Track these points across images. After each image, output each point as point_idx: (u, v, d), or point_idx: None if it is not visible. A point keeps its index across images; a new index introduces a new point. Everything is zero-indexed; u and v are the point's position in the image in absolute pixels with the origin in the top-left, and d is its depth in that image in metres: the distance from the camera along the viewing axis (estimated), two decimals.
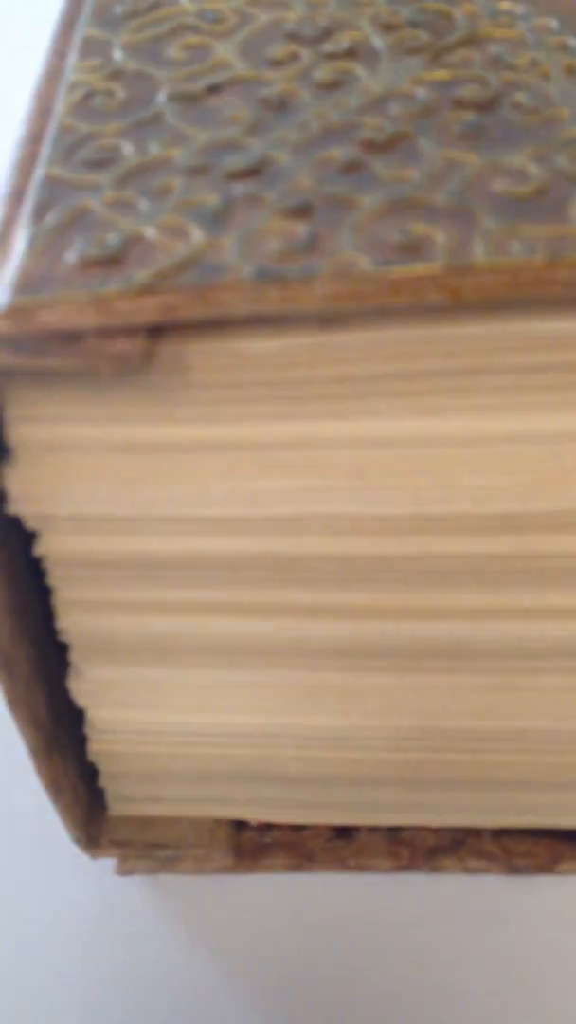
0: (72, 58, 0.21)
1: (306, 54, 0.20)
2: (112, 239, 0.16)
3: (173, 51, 0.20)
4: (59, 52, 0.21)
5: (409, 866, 0.25)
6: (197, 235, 0.17)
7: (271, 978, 0.23)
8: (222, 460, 0.18)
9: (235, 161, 0.18)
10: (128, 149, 0.18)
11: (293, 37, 0.21)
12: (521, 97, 0.19)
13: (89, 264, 0.16)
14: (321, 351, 0.17)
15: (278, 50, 0.20)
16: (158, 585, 0.20)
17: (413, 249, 0.16)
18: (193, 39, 0.21)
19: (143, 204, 0.17)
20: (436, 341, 0.17)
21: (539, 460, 0.18)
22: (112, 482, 0.18)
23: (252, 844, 0.25)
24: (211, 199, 0.17)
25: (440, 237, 0.16)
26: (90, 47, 0.21)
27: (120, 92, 0.20)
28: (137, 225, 0.17)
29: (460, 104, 0.19)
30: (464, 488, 0.18)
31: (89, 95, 0.19)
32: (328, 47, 0.20)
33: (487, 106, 0.19)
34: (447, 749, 0.23)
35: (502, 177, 0.17)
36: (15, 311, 0.15)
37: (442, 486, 0.18)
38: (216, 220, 0.17)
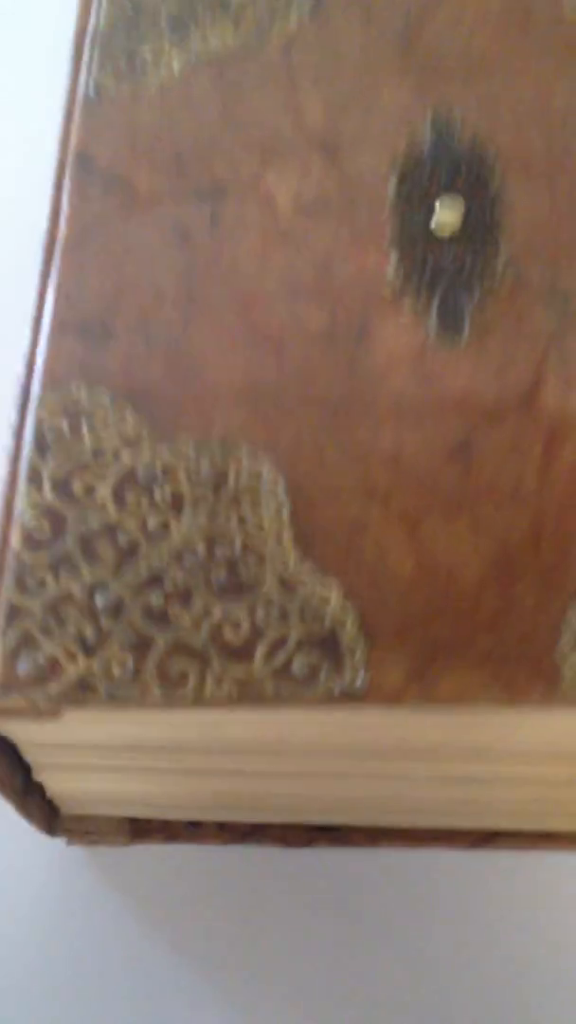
0: (20, 486, 0.39)
1: (144, 501, 0.38)
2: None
3: (75, 487, 0.38)
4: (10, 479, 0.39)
5: (230, 840, 0.47)
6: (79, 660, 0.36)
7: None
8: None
9: (95, 603, 0.37)
10: (50, 580, 0.37)
11: (131, 480, 0.38)
12: (248, 557, 0.37)
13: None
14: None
15: (130, 497, 0.38)
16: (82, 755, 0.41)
17: (181, 682, 0.35)
18: (84, 481, 0.38)
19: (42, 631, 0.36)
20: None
21: None
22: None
23: (141, 828, 0.47)
24: (84, 631, 0.36)
25: (191, 672, 0.36)
26: (33, 476, 0.38)
27: (46, 526, 0.38)
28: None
29: (218, 561, 0.37)
30: None
31: (29, 531, 0.38)
32: (158, 495, 0.38)
33: (232, 564, 0.37)
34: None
35: (230, 626, 0.36)
36: None
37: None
38: (92, 646, 0.36)
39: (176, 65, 0.46)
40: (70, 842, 0.46)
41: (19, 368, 0.40)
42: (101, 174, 0.44)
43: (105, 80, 0.46)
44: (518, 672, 0.34)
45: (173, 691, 0.35)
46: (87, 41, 0.47)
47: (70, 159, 0.44)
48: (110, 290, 0.41)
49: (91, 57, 0.46)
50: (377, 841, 0.46)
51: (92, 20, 0.47)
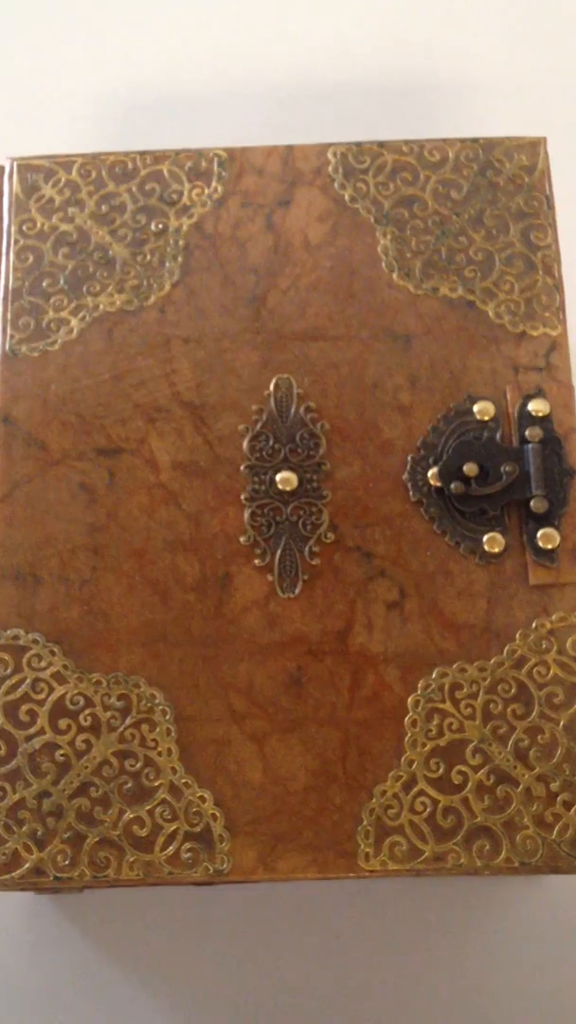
0: None
1: (72, 725, 0.55)
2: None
3: (21, 714, 0.55)
4: None
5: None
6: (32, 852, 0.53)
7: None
8: None
9: (42, 807, 0.54)
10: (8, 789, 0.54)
11: (61, 707, 0.55)
12: (148, 769, 0.54)
13: None
14: None
15: (62, 722, 0.55)
16: None
17: (105, 867, 0.53)
18: (27, 708, 0.55)
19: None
20: None
21: None
22: None
23: None
24: (36, 827, 0.53)
25: (112, 859, 0.53)
26: None
27: (2, 746, 0.54)
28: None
29: (127, 773, 0.54)
30: None
31: None
32: (82, 719, 0.55)
33: (137, 775, 0.54)
34: None
35: (137, 824, 0.53)
36: None
37: None
38: (42, 841, 0.53)
39: (74, 322, 0.59)
40: (37, 892, 0.65)
41: None
42: (22, 436, 0.57)
43: (19, 342, 0.58)
44: (329, 855, 0.52)
45: (100, 873, 0.52)
46: (0, 299, 0.59)
47: None
48: (36, 541, 0.56)
49: (5, 313, 0.59)
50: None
51: (1, 277, 0.59)
